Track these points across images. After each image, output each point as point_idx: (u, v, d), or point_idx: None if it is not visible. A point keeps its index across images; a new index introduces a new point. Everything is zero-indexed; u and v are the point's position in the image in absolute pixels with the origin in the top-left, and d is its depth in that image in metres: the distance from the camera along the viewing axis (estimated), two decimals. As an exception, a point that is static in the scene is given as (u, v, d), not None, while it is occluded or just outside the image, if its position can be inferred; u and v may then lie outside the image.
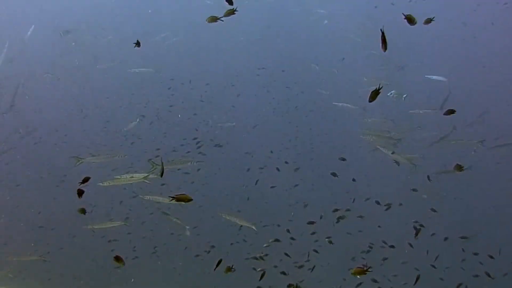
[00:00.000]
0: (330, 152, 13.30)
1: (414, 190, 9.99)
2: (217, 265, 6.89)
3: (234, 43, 19.54)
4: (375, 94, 5.21)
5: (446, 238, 9.86)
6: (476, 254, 9.47)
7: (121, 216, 11.16)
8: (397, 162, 9.11)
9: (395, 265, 10.06)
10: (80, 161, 8.00)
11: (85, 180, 6.28)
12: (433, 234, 9.90)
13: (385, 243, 9.84)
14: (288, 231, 9.88)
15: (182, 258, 11.66)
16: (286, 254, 9.27)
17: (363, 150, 12.12)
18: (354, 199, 10.05)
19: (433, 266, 9.53)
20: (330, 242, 9.23)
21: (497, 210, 13.05)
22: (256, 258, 9.22)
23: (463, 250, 9.73)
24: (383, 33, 4.52)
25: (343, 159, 10.01)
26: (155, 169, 7.70)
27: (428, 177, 9.94)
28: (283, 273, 9.04)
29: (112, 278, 11.30)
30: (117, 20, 18.74)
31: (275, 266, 9.73)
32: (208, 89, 15.79)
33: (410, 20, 5.06)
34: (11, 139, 14.09)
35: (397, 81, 12.82)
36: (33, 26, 16.78)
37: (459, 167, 6.52)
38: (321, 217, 9.51)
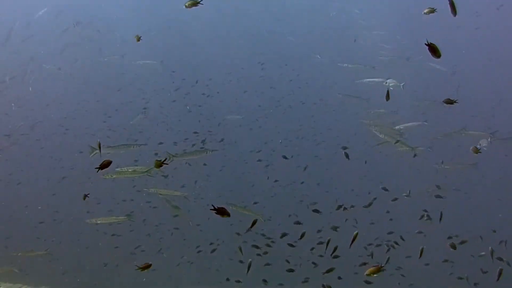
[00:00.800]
0: (335, 146, 13.14)
1: (438, 187, 9.68)
2: (252, 225, 6.76)
3: (238, 37, 19.39)
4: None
5: (456, 236, 9.70)
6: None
7: (125, 211, 11.09)
8: (414, 154, 8.90)
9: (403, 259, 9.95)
10: (95, 152, 7.83)
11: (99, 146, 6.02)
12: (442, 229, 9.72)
13: (391, 233, 9.74)
14: (298, 222, 9.73)
15: (188, 253, 11.60)
16: (291, 245, 9.09)
17: (368, 144, 11.95)
18: (369, 192, 9.76)
19: (446, 260, 9.40)
20: (335, 229, 9.14)
21: (503, 204, 12.91)
22: (258, 247, 9.13)
23: (481, 237, 9.48)
24: (430, 44, 4.23)
25: (345, 148, 9.85)
26: (171, 161, 7.74)
27: (442, 162, 9.75)
28: (291, 270, 8.93)
29: (115, 273, 11.27)
30: (122, 14, 18.59)
31: (287, 261, 9.67)
32: (211, 83, 15.65)
33: (453, 8, 4.75)
34: (13, 135, 14.01)
35: (402, 72, 12.58)
36: (45, 8, 16.60)
37: (476, 150, 6.32)
38: (341, 205, 9.22)
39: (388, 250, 9.03)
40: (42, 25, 16.79)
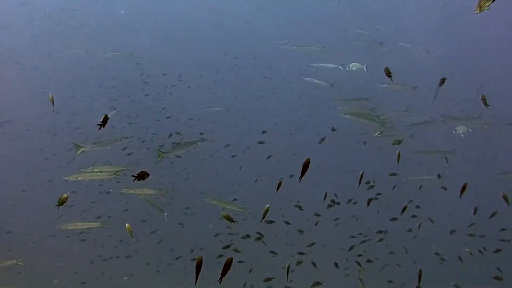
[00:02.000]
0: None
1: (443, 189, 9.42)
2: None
3: (226, 29, 18.96)
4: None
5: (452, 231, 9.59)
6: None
7: (98, 214, 10.55)
8: (397, 141, 8.52)
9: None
10: (81, 150, 7.21)
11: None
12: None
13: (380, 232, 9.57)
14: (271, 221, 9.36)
15: (166, 255, 11.17)
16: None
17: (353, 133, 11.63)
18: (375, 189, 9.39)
19: (438, 254, 9.23)
20: (316, 222, 9.06)
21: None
22: (232, 246, 8.77)
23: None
24: None
25: (334, 129, 9.54)
26: (162, 158, 7.21)
27: (446, 158, 9.47)
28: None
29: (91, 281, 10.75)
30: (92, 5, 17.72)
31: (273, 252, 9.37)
32: (183, 78, 15.10)
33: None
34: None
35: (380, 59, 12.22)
36: None
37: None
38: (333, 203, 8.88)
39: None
40: (8, 14, 15.92)
